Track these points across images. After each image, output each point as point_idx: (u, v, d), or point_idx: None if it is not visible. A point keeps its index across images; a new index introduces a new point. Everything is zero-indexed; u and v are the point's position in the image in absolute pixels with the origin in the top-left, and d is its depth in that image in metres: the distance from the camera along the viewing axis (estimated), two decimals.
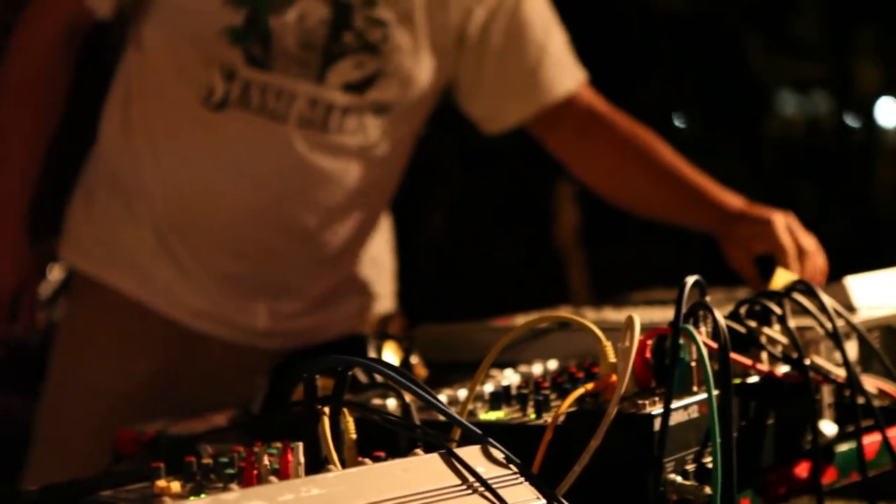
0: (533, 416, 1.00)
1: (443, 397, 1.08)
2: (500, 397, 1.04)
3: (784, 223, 1.57)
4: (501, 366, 1.19)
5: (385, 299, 1.76)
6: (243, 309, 1.60)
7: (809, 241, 1.56)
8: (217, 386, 1.56)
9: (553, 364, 1.21)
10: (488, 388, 1.09)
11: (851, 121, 4.89)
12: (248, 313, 1.60)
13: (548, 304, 1.59)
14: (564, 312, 1.12)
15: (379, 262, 1.74)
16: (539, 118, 1.71)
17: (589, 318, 1.39)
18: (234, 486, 0.79)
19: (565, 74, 1.72)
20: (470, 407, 1.03)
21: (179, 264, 1.58)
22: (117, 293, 1.59)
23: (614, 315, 1.41)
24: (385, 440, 0.93)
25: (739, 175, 4.69)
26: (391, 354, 1.27)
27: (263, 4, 1.51)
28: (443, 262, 4.07)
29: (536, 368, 1.18)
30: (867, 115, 4.87)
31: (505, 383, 1.10)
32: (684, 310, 0.96)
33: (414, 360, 1.28)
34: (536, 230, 4.23)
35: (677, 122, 4.75)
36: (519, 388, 1.08)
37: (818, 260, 1.56)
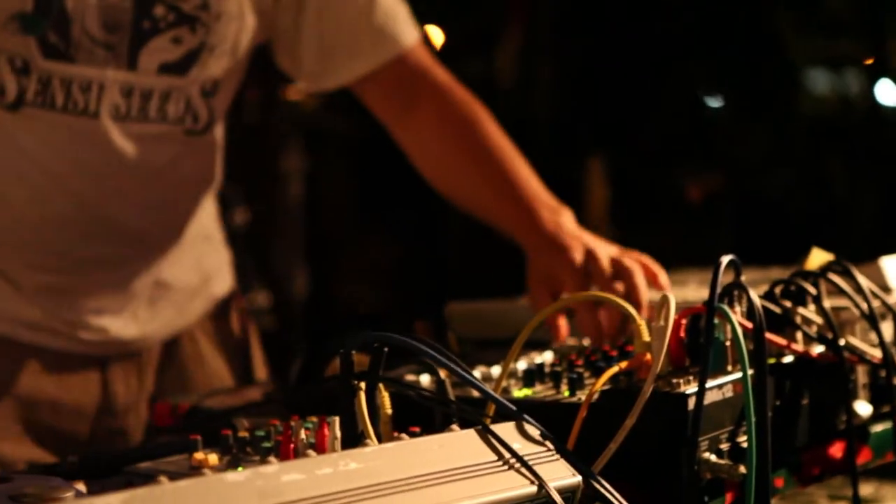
0: (567, 393, 1.01)
1: (476, 374, 1.09)
2: (533, 375, 1.05)
3: (578, 259, 1.36)
4: (534, 344, 1.19)
5: (223, 275, 1.60)
6: (75, 321, 1.43)
7: (602, 265, 1.35)
8: (56, 401, 1.42)
9: (586, 342, 1.21)
10: (521, 365, 1.10)
11: (887, 99, 4.84)
12: (80, 326, 1.44)
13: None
14: (596, 292, 1.12)
15: (209, 236, 1.58)
16: (367, 77, 1.54)
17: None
18: (272, 458, 0.80)
19: (399, 29, 1.54)
20: (503, 384, 1.04)
21: (2, 277, 1.40)
22: None
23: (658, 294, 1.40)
24: (418, 416, 0.94)
25: (771, 154, 4.66)
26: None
27: None
28: (472, 241, 4.07)
29: (570, 346, 1.19)
30: None
31: (538, 361, 1.10)
32: (719, 289, 0.97)
33: (448, 337, 1.29)
34: (566, 208, 4.21)
35: (710, 102, 4.72)
36: (552, 365, 1.08)
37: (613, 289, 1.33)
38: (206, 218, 1.57)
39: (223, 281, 1.60)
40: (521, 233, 1.47)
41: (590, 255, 1.36)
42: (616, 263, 1.33)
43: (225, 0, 1.39)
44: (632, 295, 1.29)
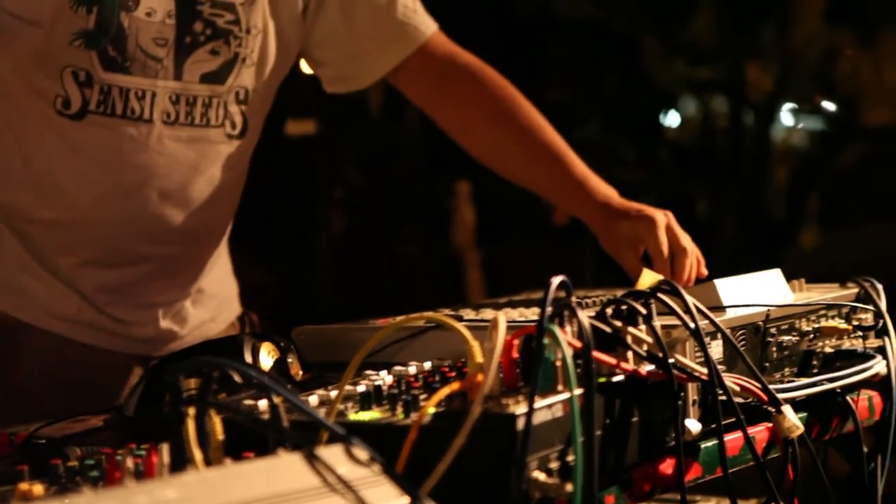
0: (402, 415, 1.01)
1: (315, 398, 1.08)
2: (370, 397, 1.05)
3: (664, 223, 1.59)
4: (379, 366, 1.19)
5: (237, 291, 1.73)
6: (128, 319, 1.56)
7: (687, 242, 1.58)
8: (105, 394, 1.51)
9: (428, 364, 1.22)
10: (361, 388, 1.10)
11: (747, 123, 4.99)
12: (132, 323, 1.57)
13: (446, 303, 1.59)
14: (432, 313, 1.13)
15: (227, 254, 1.73)
16: (398, 69, 1.69)
17: (469, 317, 1.41)
18: (86, 488, 0.79)
19: (419, 19, 1.69)
20: (340, 407, 1.03)
21: (57, 276, 1.53)
22: None
23: (492, 315, 1.42)
24: (260, 442, 0.93)
25: (637, 176, 4.77)
26: (267, 355, 1.26)
27: (108, 2, 1.45)
28: (341, 262, 4.07)
29: (412, 368, 1.19)
30: (762, 118, 4.98)
31: (378, 383, 1.10)
32: (550, 310, 0.98)
33: (290, 360, 1.28)
34: (434, 229, 4.25)
35: (577, 126, 4.81)
36: (390, 388, 1.09)
37: (691, 260, 1.57)
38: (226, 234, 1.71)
39: (237, 298, 1.73)
40: (584, 207, 1.66)
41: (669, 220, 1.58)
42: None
43: (253, 14, 1.54)
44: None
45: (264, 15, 1.55)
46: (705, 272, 1.57)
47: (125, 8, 1.46)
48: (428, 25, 1.71)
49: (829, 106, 5.04)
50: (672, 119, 5.17)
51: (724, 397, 1.12)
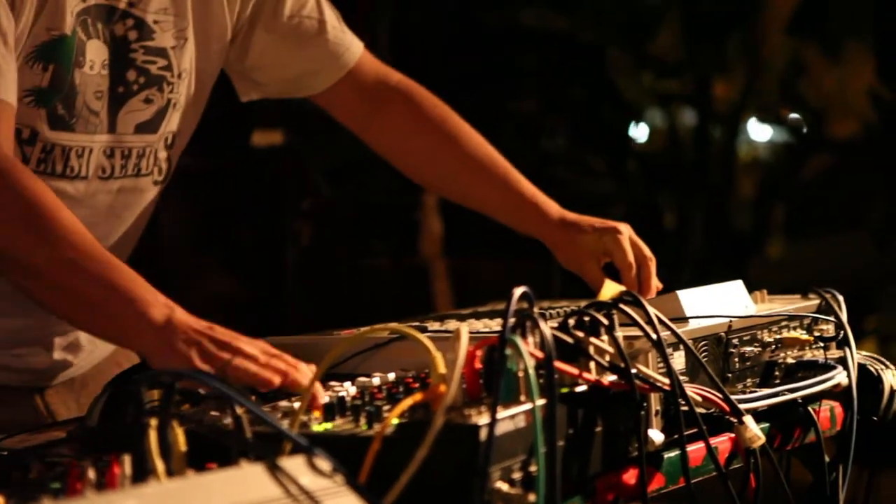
0: (365, 426, 1.01)
1: (279, 409, 1.08)
2: (333, 408, 1.05)
3: (628, 234, 1.60)
4: (343, 377, 1.19)
5: None
6: (24, 352, 1.52)
7: (647, 252, 1.59)
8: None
9: (392, 375, 1.22)
10: (325, 399, 1.10)
11: (714, 135, 5.03)
12: (27, 356, 1.52)
13: (414, 314, 1.59)
14: (396, 324, 1.13)
15: None
16: (327, 90, 1.67)
17: (433, 328, 1.41)
18: (46, 500, 0.78)
19: (348, 39, 1.66)
20: (304, 418, 1.04)
21: None
22: None
23: (455, 326, 1.42)
24: (223, 453, 0.93)
25: (604, 187, 4.79)
26: None
27: (65, 59, 1.40)
28: (309, 272, 4.06)
29: (375, 380, 1.19)
30: (729, 130, 5.02)
31: (341, 394, 1.10)
32: (512, 321, 0.99)
33: None
34: (402, 240, 4.25)
35: (545, 138, 4.82)
36: (354, 398, 1.09)
37: (651, 270, 1.58)
38: None
39: None
40: (539, 223, 1.65)
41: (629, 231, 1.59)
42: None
43: (183, 58, 1.50)
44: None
45: (192, 57, 1.52)
46: (660, 284, 1.58)
47: (77, 65, 1.41)
48: (357, 45, 1.68)
49: (794, 118, 5.09)
50: (639, 131, 5.20)
51: (686, 408, 1.13)
